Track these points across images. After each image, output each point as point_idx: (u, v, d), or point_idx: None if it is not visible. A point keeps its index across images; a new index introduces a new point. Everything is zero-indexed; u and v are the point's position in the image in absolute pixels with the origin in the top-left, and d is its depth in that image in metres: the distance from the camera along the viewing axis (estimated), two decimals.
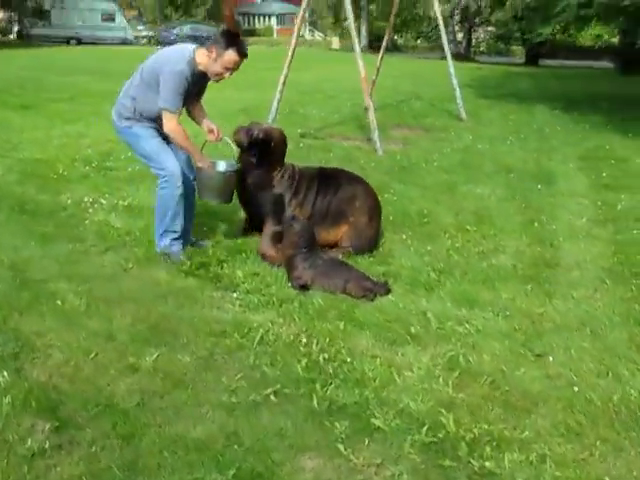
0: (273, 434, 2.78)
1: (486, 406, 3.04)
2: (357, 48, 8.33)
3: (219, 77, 4.43)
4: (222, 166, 4.79)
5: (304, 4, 8.53)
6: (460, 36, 45.03)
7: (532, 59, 37.06)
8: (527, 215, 6.03)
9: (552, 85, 21.12)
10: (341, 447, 2.70)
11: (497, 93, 16.81)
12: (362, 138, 10.07)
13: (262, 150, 4.71)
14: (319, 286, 4.28)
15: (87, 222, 5.47)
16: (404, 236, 5.31)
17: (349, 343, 3.59)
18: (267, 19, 55.37)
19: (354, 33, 8.51)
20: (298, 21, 8.60)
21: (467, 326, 3.82)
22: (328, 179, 4.98)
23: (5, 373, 3.13)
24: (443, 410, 2.99)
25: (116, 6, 41.26)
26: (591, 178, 7.61)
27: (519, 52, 40.98)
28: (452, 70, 11.26)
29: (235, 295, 4.14)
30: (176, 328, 3.70)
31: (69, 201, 6.05)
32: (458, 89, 11.46)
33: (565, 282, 4.52)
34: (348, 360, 3.39)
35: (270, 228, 4.77)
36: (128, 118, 4.49)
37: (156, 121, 4.45)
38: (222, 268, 4.55)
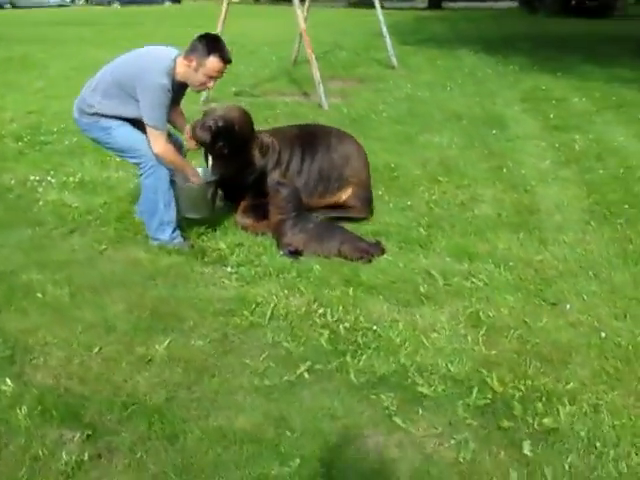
0: (322, 415, 2.63)
1: (522, 361, 2.99)
2: None
3: (202, 87, 4.07)
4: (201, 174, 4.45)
5: None
6: None
7: (435, 2, 37.22)
8: (492, 162, 6.01)
9: (465, 28, 21.32)
10: (398, 420, 2.59)
11: (415, 39, 16.76)
12: (298, 93, 9.82)
13: (228, 138, 4.24)
14: (311, 251, 4.11)
15: (40, 203, 5.07)
16: (379, 192, 5.18)
17: (364, 309, 3.45)
18: None
19: None
20: None
21: (474, 280, 3.75)
22: (311, 140, 4.71)
23: (7, 380, 2.83)
24: (483, 370, 2.92)
25: None
26: (539, 120, 7.67)
27: None
28: (381, 17, 11.06)
29: (228, 269, 3.92)
30: (177, 311, 3.46)
31: (12, 181, 5.59)
32: (388, 36, 11.28)
33: (552, 227, 4.52)
34: (370, 327, 3.27)
35: (249, 200, 4.51)
36: (93, 114, 4.07)
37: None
38: (203, 241, 4.30)
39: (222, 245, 4.24)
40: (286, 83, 10.55)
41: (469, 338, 3.19)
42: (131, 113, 3.99)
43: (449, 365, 2.96)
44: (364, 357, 3.02)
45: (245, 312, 3.41)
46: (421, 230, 4.47)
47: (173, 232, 4.22)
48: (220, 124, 4.19)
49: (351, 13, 31.22)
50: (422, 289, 3.67)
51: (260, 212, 4.40)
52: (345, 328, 3.27)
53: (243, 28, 19.84)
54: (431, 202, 5.00)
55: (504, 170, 5.69)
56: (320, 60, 12.14)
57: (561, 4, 27.55)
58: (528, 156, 6.19)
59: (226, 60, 3.96)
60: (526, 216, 4.72)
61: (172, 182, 4.15)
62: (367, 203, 4.75)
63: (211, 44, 3.92)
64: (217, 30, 8.12)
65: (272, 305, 3.47)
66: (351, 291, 3.62)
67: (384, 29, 11.19)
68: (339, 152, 4.69)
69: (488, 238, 4.33)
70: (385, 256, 4.08)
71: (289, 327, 3.30)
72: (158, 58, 3.92)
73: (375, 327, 3.26)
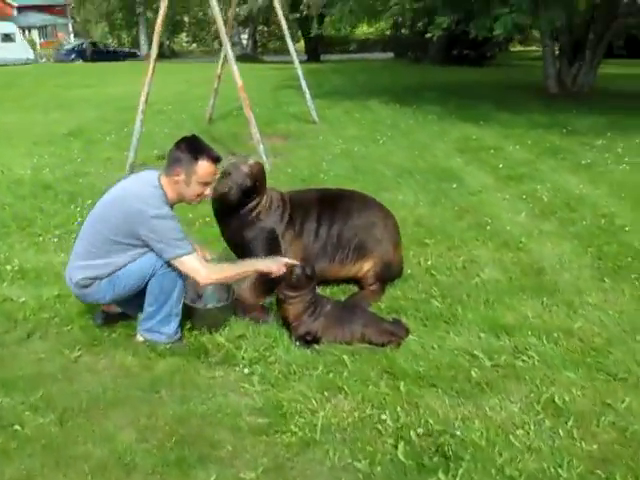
0: None
1: (635, 455, 2.60)
2: (230, 54, 7.56)
3: (200, 198, 3.53)
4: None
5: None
6: (244, 37, 45.10)
7: (313, 54, 37.82)
8: (469, 218, 5.74)
9: (364, 79, 21.58)
10: None
11: (321, 92, 16.68)
12: (225, 154, 9.27)
13: (248, 192, 3.91)
14: (331, 338, 3.59)
15: None
16: None
17: (425, 407, 2.97)
18: (28, 32, 50.55)
19: (225, 39, 7.70)
20: (156, 34, 7.60)
21: (524, 358, 3.37)
22: (332, 203, 4.22)
23: None
24: (599, 471, 2.51)
25: (15, 27, 41.50)
26: (488, 171, 7.56)
27: (300, 49, 41.47)
28: (300, 72, 10.81)
29: (244, 371, 3.33)
30: (204, 432, 2.84)
31: None
32: (308, 90, 11.03)
33: (569, 289, 4.24)
34: (446, 430, 2.78)
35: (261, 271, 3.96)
36: (94, 278, 3.48)
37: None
38: (195, 337, 3.67)
39: (221, 339, 3.63)
40: (209, 143, 9.97)
41: (560, 432, 2.77)
42: (132, 257, 3.46)
43: (559, 470, 2.53)
44: (460, 472, 2.52)
45: (292, 427, 2.83)
46: (436, 302, 4.05)
47: (178, 327, 3.60)
48: (248, 183, 3.90)
49: (242, 67, 31.05)
50: (474, 374, 3.24)
51: (267, 290, 3.87)
52: (418, 435, 2.76)
53: (135, 86, 19.11)
54: (431, 269, 4.61)
55: (487, 227, 5.42)
56: (232, 117, 11.75)
57: (443, 54, 28.78)
58: (501, 210, 5.98)
59: (215, 159, 3.46)
60: (535, 278, 4.43)
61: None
62: (386, 279, 4.27)
63: (193, 147, 3.40)
64: (144, 90, 7.50)
65: (320, 414, 2.91)
66: (402, 385, 3.13)
67: (304, 83, 10.94)
68: (362, 218, 4.21)
69: (511, 306, 3.98)
70: (412, 337, 3.62)
71: (351, 440, 2.75)
72: (143, 193, 3.35)
73: (452, 430, 2.77)
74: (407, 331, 3.65)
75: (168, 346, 3.53)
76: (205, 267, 3.39)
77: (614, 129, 9.90)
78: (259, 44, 45.22)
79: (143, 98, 7.58)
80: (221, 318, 3.78)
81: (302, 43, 39.39)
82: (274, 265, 3.55)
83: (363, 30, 46.34)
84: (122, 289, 3.47)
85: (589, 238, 5.13)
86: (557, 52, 14.86)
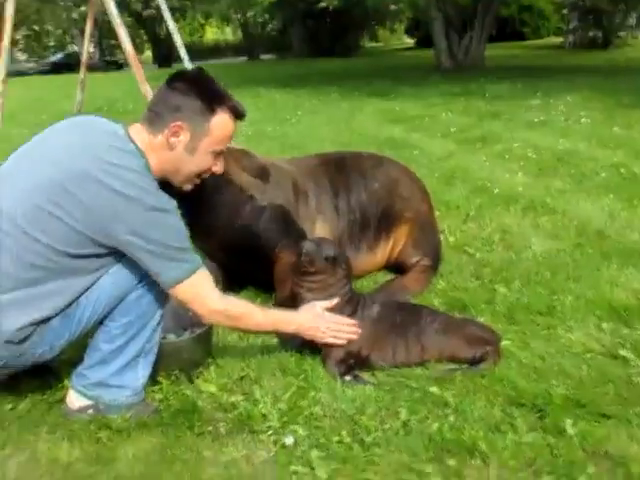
0: None
1: None
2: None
3: (202, 177, 2.09)
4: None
5: None
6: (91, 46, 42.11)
7: (164, 61, 35.30)
8: (462, 184, 4.58)
9: (235, 75, 20.02)
10: None
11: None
12: None
13: None
14: (386, 356, 2.25)
15: None
16: None
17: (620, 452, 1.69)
18: None
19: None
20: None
21: None
22: (339, 167, 2.95)
23: None
24: None
25: None
26: (440, 136, 6.50)
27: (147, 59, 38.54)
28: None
29: (283, 441, 1.90)
30: None
31: None
32: None
33: None
34: None
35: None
36: (38, 323, 1.88)
37: None
38: (171, 393, 2.18)
39: (211, 388, 2.17)
40: None
41: None
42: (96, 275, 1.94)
43: None
44: None
45: None
46: (502, 289, 2.80)
47: (148, 374, 2.09)
48: None
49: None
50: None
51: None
52: None
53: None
54: (462, 246, 3.39)
55: (495, 191, 4.28)
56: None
57: (308, 47, 27.94)
58: (492, 171, 4.90)
59: (241, 115, 2.05)
60: (602, 241, 3.31)
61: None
62: (435, 252, 2.99)
63: (208, 90, 1.98)
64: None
65: None
66: (549, 419, 1.83)
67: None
68: (380, 179, 2.97)
69: (610, 279, 2.81)
70: (505, 342, 2.35)
71: None
72: (123, 164, 1.82)
73: None
74: (498, 335, 2.35)
75: (129, 412, 2.01)
76: (217, 292, 1.99)
77: (537, 91, 9.18)
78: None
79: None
80: (204, 352, 2.32)
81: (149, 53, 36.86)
82: (319, 321, 2.22)
83: (212, 36, 44.73)
84: (84, 323, 1.94)
85: (621, 189, 4.09)
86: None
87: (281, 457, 1.83)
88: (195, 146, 1.96)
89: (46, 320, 1.86)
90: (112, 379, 2.02)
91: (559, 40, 26.03)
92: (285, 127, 7.67)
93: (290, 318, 2.20)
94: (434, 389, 2.06)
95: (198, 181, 2.08)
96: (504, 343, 2.33)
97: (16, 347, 1.85)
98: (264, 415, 2.00)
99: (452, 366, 2.23)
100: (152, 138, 1.93)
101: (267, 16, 29.40)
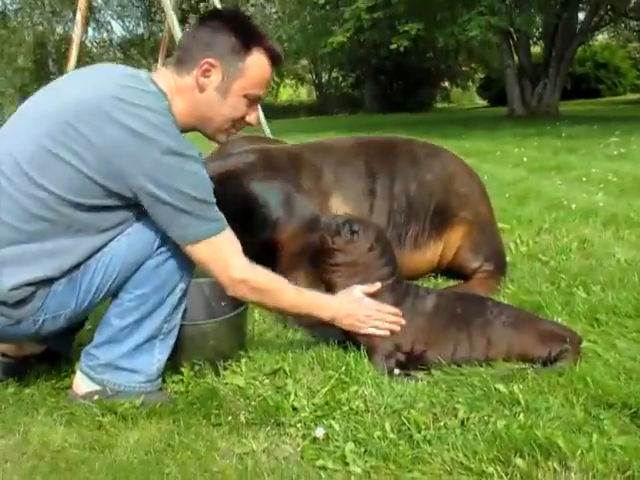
0: None
1: None
2: None
3: (237, 126, 1.84)
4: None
5: None
6: None
7: None
8: (535, 202, 4.23)
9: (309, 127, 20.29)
10: None
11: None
12: None
13: None
14: (444, 352, 1.89)
15: None
16: None
17: None
18: None
19: None
20: None
21: None
22: (384, 150, 2.66)
23: None
24: None
25: None
26: (513, 165, 6.14)
27: None
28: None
29: (312, 434, 1.59)
30: None
31: None
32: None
33: None
34: None
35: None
36: (39, 283, 1.64)
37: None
38: (193, 383, 1.88)
39: (239, 381, 1.87)
40: None
41: None
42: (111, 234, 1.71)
43: None
44: None
45: None
46: (580, 292, 2.43)
47: (164, 361, 1.82)
48: None
49: None
50: None
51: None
52: None
53: None
54: (535, 254, 3.02)
55: (572, 207, 3.89)
56: None
57: (380, 103, 28.11)
58: (569, 192, 4.51)
59: (278, 57, 1.82)
60: None
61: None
62: (499, 257, 2.65)
63: (244, 28, 1.76)
64: None
65: None
66: None
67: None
68: (434, 171, 2.64)
69: None
70: (587, 343, 1.97)
71: None
72: (138, 103, 1.60)
73: None
74: (577, 335, 1.97)
75: (140, 399, 1.73)
76: (245, 259, 1.74)
77: (616, 131, 8.71)
78: None
79: None
80: (235, 339, 2.04)
81: None
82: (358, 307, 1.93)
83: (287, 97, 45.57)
84: (93, 292, 1.70)
85: None
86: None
87: (308, 451, 1.51)
88: (228, 87, 1.72)
89: (47, 282, 1.62)
90: (123, 361, 1.76)
91: (636, 97, 25.31)
92: None
93: (326, 303, 1.91)
94: (500, 386, 1.71)
95: (234, 131, 1.83)
96: (586, 344, 1.96)
97: (12, 311, 1.61)
98: (295, 408, 1.69)
99: (522, 365, 1.87)
100: (179, 80, 1.72)
101: (340, 74, 29.92)
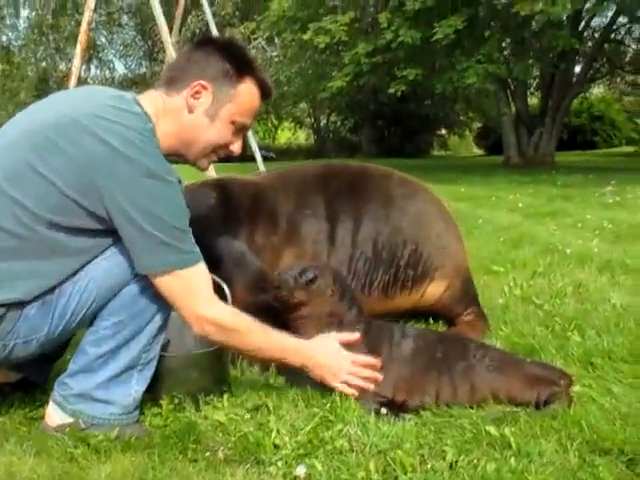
0: None
1: None
2: None
3: (219, 153, 1.81)
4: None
5: None
6: None
7: (238, 160, 36.71)
8: (530, 247, 4.20)
9: None
10: None
11: None
12: None
13: None
14: (425, 397, 1.83)
15: None
16: None
17: None
18: None
19: None
20: None
21: None
22: (351, 188, 2.44)
23: None
24: None
25: None
26: (508, 210, 6.15)
27: None
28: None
29: (293, 472, 1.51)
30: None
31: None
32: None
33: None
34: None
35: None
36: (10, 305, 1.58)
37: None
38: (172, 416, 1.81)
39: (220, 416, 1.79)
40: None
41: None
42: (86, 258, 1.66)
43: None
44: None
45: None
46: (575, 337, 2.36)
47: (142, 392, 1.75)
48: None
49: None
50: None
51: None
52: None
53: None
54: (529, 297, 2.97)
55: (567, 251, 3.86)
56: None
57: (377, 147, 28.35)
58: (564, 237, 4.48)
59: (269, 91, 1.81)
60: None
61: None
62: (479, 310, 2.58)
63: (238, 55, 1.76)
64: None
65: None
66: None
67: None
68: (410, 214, 2.45)
69: None
70: (578, 387, 1.91)
71: None
72: (120, 121, 1.57)
73: None
74: (567, 376, 1.91)
75: (114, 432, 1.66)
76: (214, 296, 1.70)
77: (612, 180, 8.73)
78: None
79: None
80: (216, 374, 1.97)
81: None
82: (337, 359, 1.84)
83: (285, 140, 45.76)
84: (67, 317, 1.64)
85: None
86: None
87: None
88: (217, 111, 1.70)
89: (19, 304, 1.56)
90: (98, 391, 1.69)
91: (632, 149, 25.58)
92: None
93: (298, 347, 1.82)
94: (491, 429, 1.64)
95: (214, 157, 1.79)
96: (581, 388, 1.90)
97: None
98: (276, 446, 1.61)
99: (514, 408, 1.80)
100: (168, 99, 1.69)
101: (338, 119, 30.23)
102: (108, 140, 1.52)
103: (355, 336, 1.86)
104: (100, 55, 27.04)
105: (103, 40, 26.78)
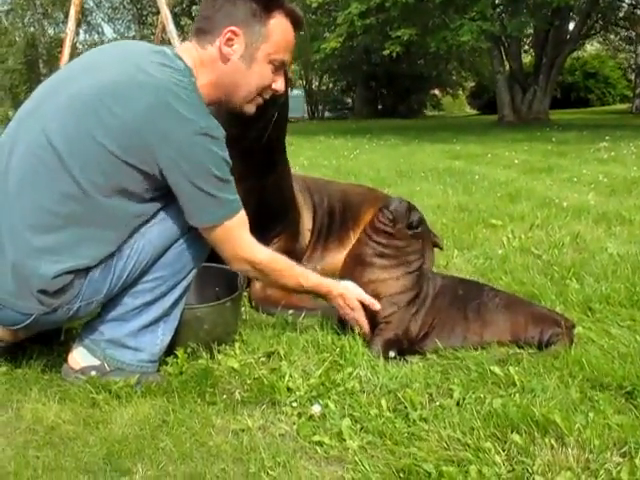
0: None
1: None
2: None
3: (264, 94, 1.79)
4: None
5: None
6: None
7: None
8: (526, 201, 4.24)
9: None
10: None
11: None
12: None
13: None
14: (448, 337, 1.91)
15: None
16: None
17: None
18: None
19: None
20: None
21: None
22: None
23: None
24: None
25: None
26: (504, 167, 6.20)
27: None
28: None
29: (309, 411, 1.58)
30: None
31: None
32: None
33: None
34: None
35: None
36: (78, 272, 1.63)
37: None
38: (187, 364, 1.86)
39: (233, 363, 1.85)
40: None
41: None
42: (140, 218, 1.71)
43: None
44: None
45: None
46: (573, 284, 2.43)
47: (168, 340, 1.81)
48: None
49: None
50: None
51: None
52: None
53: None
54: (527, 247, 3.03)
55: (564, 204, 3.92)
56: None
57: (369, 108, 28.16)
58: (560, 191, 4.52)
59: (299, 21, 1.77)
60: None
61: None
62: None
63: None
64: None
65: None
66: None
67: None
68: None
69: None
70: (580, 329, 1.98)
71: None
72: (165, 80, 1.58)
73: None
74: (569, 320, 1.99)
75: (134, 378, 1.72)
76: (253, 240, 1.77)
77: (606, 136, 8.77)
78: None
79: None
80: (229, 324, 2.03)
81: None
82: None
83: None
84: (124, 277, 1.70)
85: None
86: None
87: (305, 428, 1.50)
88: (252, 54, 1.69)
89: (85, 270, 1.61)
90: (128, 339, 1.74)
91: (625, 106, 25.50)
92: (341, 161, 7.49)
93: (328, 282, 1.92)
94: (495, 369, 1.71)
95: (260, 100, 1.79)
96: (580, 330, 1.97)
97: (51, 299, 1.61)
98: (290, 389, 1.68)
99: (517, 350, 1.88)
100: (202, 51, 1.68)
101: (330, 81, 29.95)
102: (157, 98, 1.54)
103: (377, 306, 1.92)
104: (89, 19, 26.63)
105: (91, 3, 26.36)
